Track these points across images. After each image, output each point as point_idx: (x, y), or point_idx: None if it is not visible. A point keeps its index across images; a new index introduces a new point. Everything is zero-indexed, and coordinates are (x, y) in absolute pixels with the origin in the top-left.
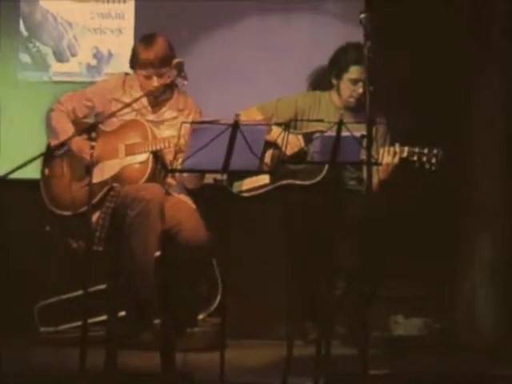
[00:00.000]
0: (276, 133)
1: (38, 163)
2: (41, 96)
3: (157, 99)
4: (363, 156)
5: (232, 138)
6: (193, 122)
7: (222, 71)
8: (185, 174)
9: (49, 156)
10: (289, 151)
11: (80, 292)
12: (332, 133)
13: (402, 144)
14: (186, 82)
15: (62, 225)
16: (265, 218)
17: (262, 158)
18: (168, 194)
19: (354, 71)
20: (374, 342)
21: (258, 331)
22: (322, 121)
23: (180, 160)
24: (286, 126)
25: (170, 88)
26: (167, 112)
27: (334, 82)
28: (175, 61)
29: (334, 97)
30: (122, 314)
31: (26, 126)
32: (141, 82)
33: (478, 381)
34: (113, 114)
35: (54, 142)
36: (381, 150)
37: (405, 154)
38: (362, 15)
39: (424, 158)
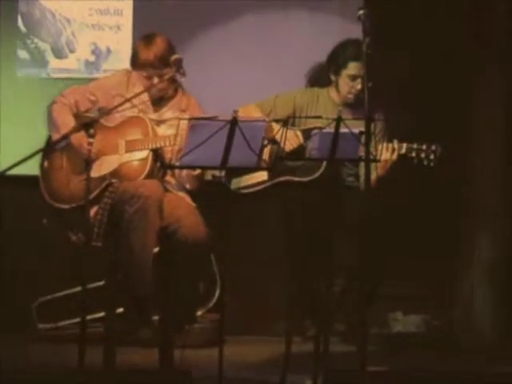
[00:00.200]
0: (275, 129)
1: (36, 159)
2: (39, 92)
3: (160, 98)
4: (362, 152)
5: (230, 135)
6: (191, 119)
7: (220, 68)
8: (184, 174)
9: (49, 149)
10: (288, 147)
11: (78, 288)
12: (330, 129)
13: (401, 141)
14: (184, 79)
15: (61, 218)
16: (263, 214)
17: (260, 155)
18: (167, 191)
19: (352, 67)
20: (372, 339)
21: (257, 328)
22: (320, 117)
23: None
24: (285, 122)
25: (172, 86)
26: (169, 111)
27: (333, 78)
28: (173, 57)
29: (333, 93)
30: (120, 310)
31: (24, 123)
32: (143, 82)
33: (475, 378)
34: (113, 109)
35: (54, 135)
36: (379, 147)
37: (403, 151)
38: (361, 11)
39: (422, 155)
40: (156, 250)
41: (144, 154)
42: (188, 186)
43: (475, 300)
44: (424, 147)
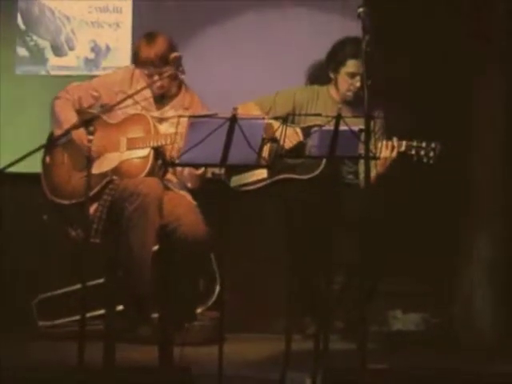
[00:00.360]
0: (274, 127)
1: (36, 157)
2: (38, 90)
3: (162, 95)
4: (361, 150)
5: (230, 132)
6: (190, 116)
7: (220, 66)
8: (186, 173)
9: (51, 145)
10: (287, 145)
11: (78, 286)
12: (330, 127)
13: (400, 138)
14: (183, 76)
15: (61, 213)
16: (263, 212)
17: (259, 153)
18: (168, 189)
19: (351, 65)
20: (372, 337)
21: (257, 325)
22: (319, 115)
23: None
24: (284, 120)
25: (175, 84)
26: (172, 109)
27: (332, 75)
28: (172, 55)
29: (332, 91)
30: (120, 308)
31: (23, 120)
32: (145, 80)
33: (475, 377)
34: (115, 106)
35: (56, 131)
36: (379, 144)
37: (403, 148)
38: (360, 9)
39: (422, 152)
40: (156, 247)
41: (145, 151)
42: (189, 185)
43: (475, 298)
44: (423, 145)
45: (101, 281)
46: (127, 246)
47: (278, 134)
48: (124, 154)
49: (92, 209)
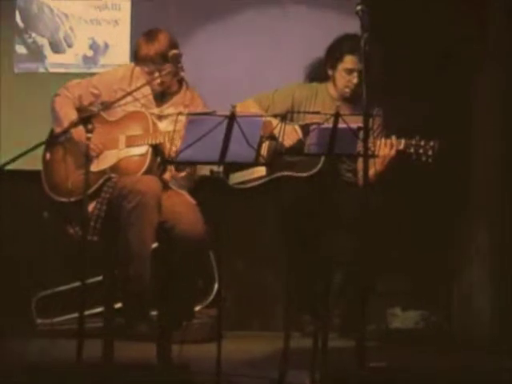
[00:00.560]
0: (273, 124)
1: (36, 154)
2: (37, 87)
3: (162, 93)
4: (360, 148)
5: (228, 130)
6: (189, 114)
7: (219, 63)
8: (174, 174)
9: (51, 142)
10: (287, 142)
11: (77, 284)
12: (329, 125)
13: (399, 136)
14: (182, 74)
15: (60, 211)
16: (261, 209)
17: (258, 150)
18: (167, 187)
19: (348, 61)
20: (371, 335)
21: (255, 323)
22: (318, 113)
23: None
24: (283, 117)
25: (175, 81)
26: (172, 107)
27: (330, 72)
28: (171, 52)
29: (331, 88)
30: (119, 305)
31: (23, 118)
32: (145, 76)
33: (474, 374)
34: (113, 103)
35: (56, 128)
36: (377, 143)
37: (401, 146)
38: (359, 7)
39: (421, 150)
40: (154, 245)
41: (144, 149)
42: (183, 184)
43: (473, 296)
44: (422, 143)
45: (99, 279)
46: (126, 243)
47: (276, 132)
48: (122, 151)
49: (90, 207)
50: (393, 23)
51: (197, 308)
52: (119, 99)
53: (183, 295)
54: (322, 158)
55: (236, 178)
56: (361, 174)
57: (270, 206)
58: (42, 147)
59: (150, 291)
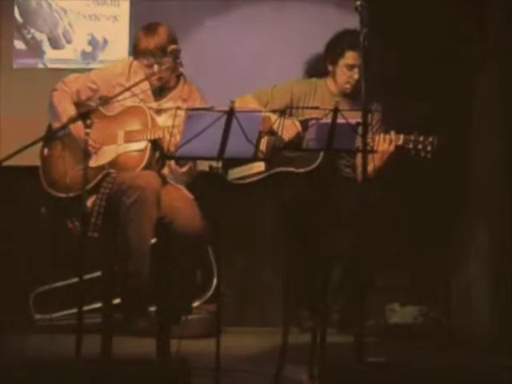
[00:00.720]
0: (272, 119)
1: (34, 150)
2: (36, 83)
3: (160, 87)
4: (359, 143)
5: (227, 125)
6: (187, 109)
7: (217, 58)
8: (174, 169)
9: (49, 137)
10: (286, 136)
11: (75, 279)
12: (327, 120)
13: (398, 132)
14: (181, 69)
15: (59, 206)
16: (260, 205)
17: (257, 145)
18: (166, 182)
19: (349, 56)
20: (369, 330)
21: (254, 318)
22: (317, 108)
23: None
24: (282, 113)
25: (174, 76)
26: (170, 101)
27: (330, 67)
28: (170, 47)
29: (330, 84)
30: (117, 301)
31: (22, 114)
32: (144, 71)
33: (472, 370)
34: (112, 98)
35: (55, 123)
36: (376, 138)
37: (400, 142)
38: (358, 2)
39: (420, 146)
40: (153, 241)
41: (143, 144)
42: (183, 179)
43: (472, 291)
44: (421, 138)
45: (98, 274)
46: (125, 239)
47: (275, 127)
48: (121, 146)
49: (89, 202)
50: (392, 20)
51: (196, 303)
52: (118, 94)
53: (181, 290)
54: (321, 154)
55: (235, 173)
56: (360, 169)
57: (268, 201)
58: (40, 143)
59: (149, 287)
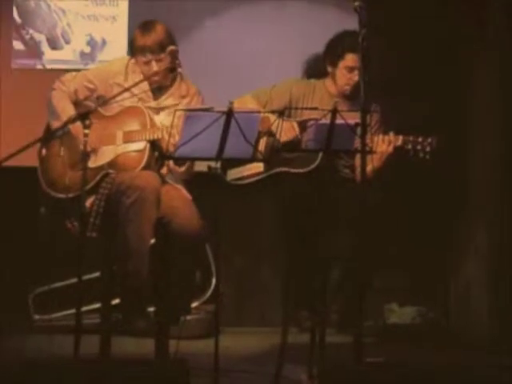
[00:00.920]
0: (271, 120)
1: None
2: (35, 83)
3: (159, 85)
4: (357, 144)
5: (226, 126)
6: (186, 110)
7: (216, 58)
8: (172, 168)
9: (47, 137)
10: (283, 138)
11: (74, 280)
12: (326, 121)
13: (397, 132)
14: (180, 70)
15: (58, 207)
16: (259, 206)
17: (256, 146)
18: (165, 182)
19: (350, 59)
20: (368, 330)
21: (253, 319)
22: (316, 109)
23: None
24: (281, 113)
25: (171, 74)
26: (169, 99)
27: (330, 69)
28: (169, 48)
29: (329, 85)
30: (116, 301)
31: (20, 114)
32: (141, 68)
33: (471, 370)
34: (112, 99)
35: (54, 122)
36: (375, 139)
37: (399, 143)
38: (357, 3)
39: (418, 147)
40: (152, 241)
41: (141, 145)
42: (181, 178)
43: (471, 291)
44: (420, 139)
45: (97, 275)
46: (124, 239)
47: (274, 128)
48: (120, 147)
49: (88, 202)
50: (392, 20)
51: (195, 304)
52: (117, 95)
53: (180, 290)
54: (320, 154)
55: (234, 173)
56: (359, 170)
57: (267, 202)
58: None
59: (148, 287)
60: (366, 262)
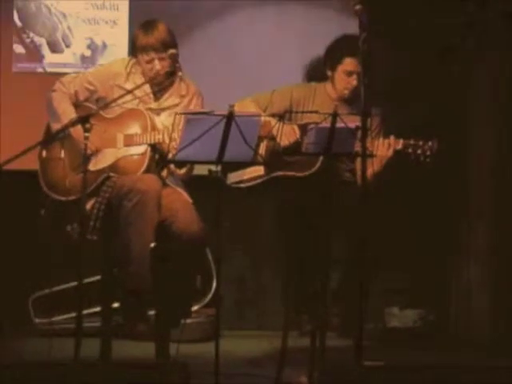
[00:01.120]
0: (272, 124)
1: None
2: (35, 87)
3: (160, 86)
4: (358, 148)
5: (226, 129)
6: (186, 113)
7: (217, 62)
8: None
9: (49, 141)
10: (284, 142)
11: (75, 283)
12: (327, 124)
13: (398, 136)
14: (180, 73)
15: (58, 209)
16: (259, 209)
17: (256, 149)
18: (165, 185)
19: (348, 63)
20: (368, 334)
21: (253, 322)
22: (316, 112)
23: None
24: (281, 117)
25: (171, 74)
26: (169, 99)
27: (329, 73)
28: (169, 51)
29: (329, 88)
30: (117, 305)
31: (21, 118)
32: (143, 67)
33: (472, 373)
34: (114, 101)
35: (54, 124)
36: (375, 143)
37: (400, 146)
38: (357, 6)
39: (419, 151)
40: (153, 244)
41: (142, 148)
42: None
43: (471, 294)
44: (421, 143)
45: (97, 278)
46: (125, 242)
47: (275, 132)
48: (121, 150)
49: (89, 205)
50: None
51: (195, 307)
52: (117, 98)
53: (181, 293)
54: (321, 158)
55: (234, 177)
56: (359, 173)
57: (268, 205)
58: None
59: (149, 290)
60: (366, 266)
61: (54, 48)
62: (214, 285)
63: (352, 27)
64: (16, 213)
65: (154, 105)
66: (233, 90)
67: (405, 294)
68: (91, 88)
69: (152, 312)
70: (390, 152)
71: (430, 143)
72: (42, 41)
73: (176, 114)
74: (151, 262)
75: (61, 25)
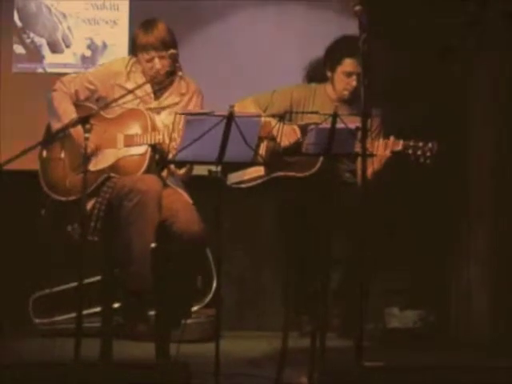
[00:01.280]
0: (272, 124)
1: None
2: (36, 87)
3: (160, 85)
4: (358, 148)
5: (227, 130)
6: (187, 114)
7: (217, 62)
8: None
9: (49, 141)
10: (285, 142)
11: (75, 283)
12: (327, 125)
13: (398, 137)
14: (180, 73)
15: (58, 209)
16: (260, 209)
17: (256, 150)
18: (166, 185)
19: (347, 64)
20: (369, 334)
21: (254, 323)
22: (316, 113)
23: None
24: (281, 118)
25: (171, 74)
26: (169, 98)
27: (329, 74)
28: (169, 51)
29: (329, 89)
30: (117, 305)
31: (21, 118)
32: (143, 66)
33: (472, 374)
34: (114, 101)
35: (55, 124)
36: (376, 143)
37: (400, 147)
38: (357, 7)
39: (419, 152)
40: (153, 245)
41: (143, 148)
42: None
43: (471, 295)
44: (421, 144)
45: (98, 278)
46: (126, 243)
47: (275, 132)
48: (121, 150)
49: (89, 205)
50: (391, 23)
51: (195, 308)
52: (118, 98)
53: (181, 294)
54: (321, 159)
55: (234, 177)
56: (360, 173)
57: (268, 206)
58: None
59: (149, 290)
60: (366, 266)
61: (54, 48)
62: (215, 285)
63: (352, 28)
64: (16, 213)
65: (154, 104)
66: (233, 90)
67: (405, 294)
68: (92, 87)
69: (152, 312)
70: (388, 152)
71: (430, 145)
72: (42, 41)
73: (176, 114)
74: (152, 263)
75: (61, 25)
